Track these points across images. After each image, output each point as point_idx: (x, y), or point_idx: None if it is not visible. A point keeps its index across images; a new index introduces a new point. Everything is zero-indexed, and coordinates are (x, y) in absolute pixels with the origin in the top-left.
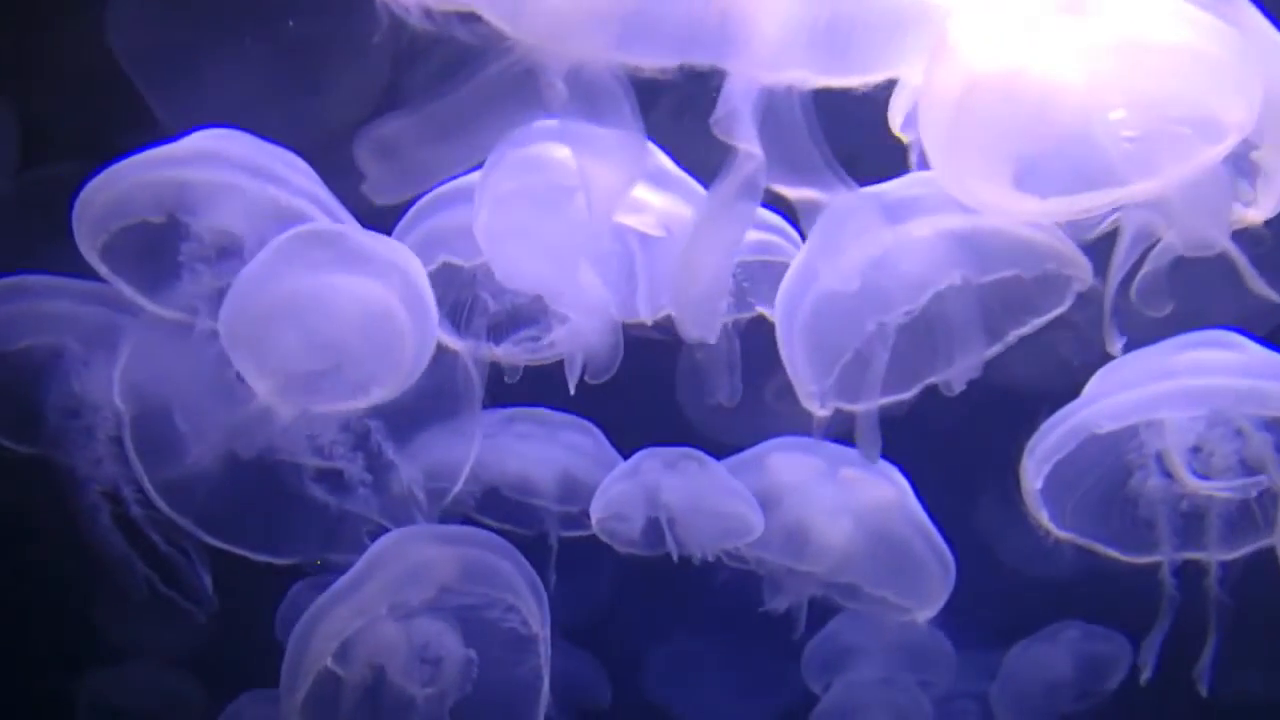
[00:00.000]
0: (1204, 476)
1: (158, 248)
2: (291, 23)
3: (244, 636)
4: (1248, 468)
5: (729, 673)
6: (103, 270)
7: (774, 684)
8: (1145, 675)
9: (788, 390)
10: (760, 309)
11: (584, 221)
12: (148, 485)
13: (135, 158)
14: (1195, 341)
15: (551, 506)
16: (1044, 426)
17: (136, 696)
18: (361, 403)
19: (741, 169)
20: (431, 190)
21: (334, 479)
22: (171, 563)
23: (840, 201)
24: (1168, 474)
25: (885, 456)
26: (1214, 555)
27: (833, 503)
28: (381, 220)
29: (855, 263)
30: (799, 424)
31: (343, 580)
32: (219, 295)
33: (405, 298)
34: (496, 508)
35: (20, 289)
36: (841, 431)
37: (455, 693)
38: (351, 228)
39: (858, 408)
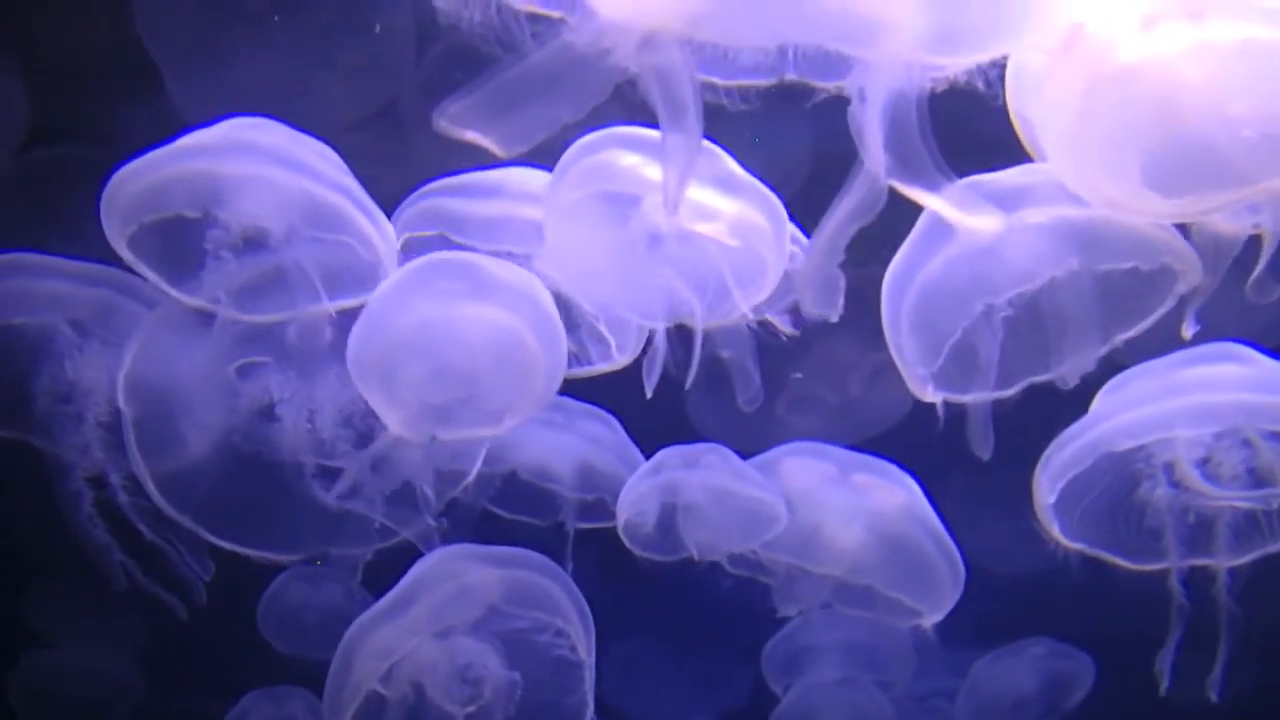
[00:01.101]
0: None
1: (183, 236)
2: (276, 17)
3: (185, 623)
4: (1255, 477)
5: (679, 673)
6: (128, 258)
7: (723, 684)
8: (1163, 685)
9: (799, 402)
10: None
11: (650, 230)
12: (150, 485)
13: (169, 147)
14: (1204, 356)
15: (568, 493)
16: (1056, 442)
17: (72, 682)
18: (493, 432)
19: (871, 170)
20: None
21: (335, 477)
22: (159, 552)
23: (951, 190)
24: (1175, 484)
25: (893, 460)
26: (1222, 563)
27: (846, 507)
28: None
29: (964, 249)
30: (809, 434)
31: (388, 599)
32: (243, 285)
33: (535, 326)
34: (512, 498)
35: (15, 266)
36: (856, 440)
37: (499, 714)
38: (481, 257)
39: (966, 399)
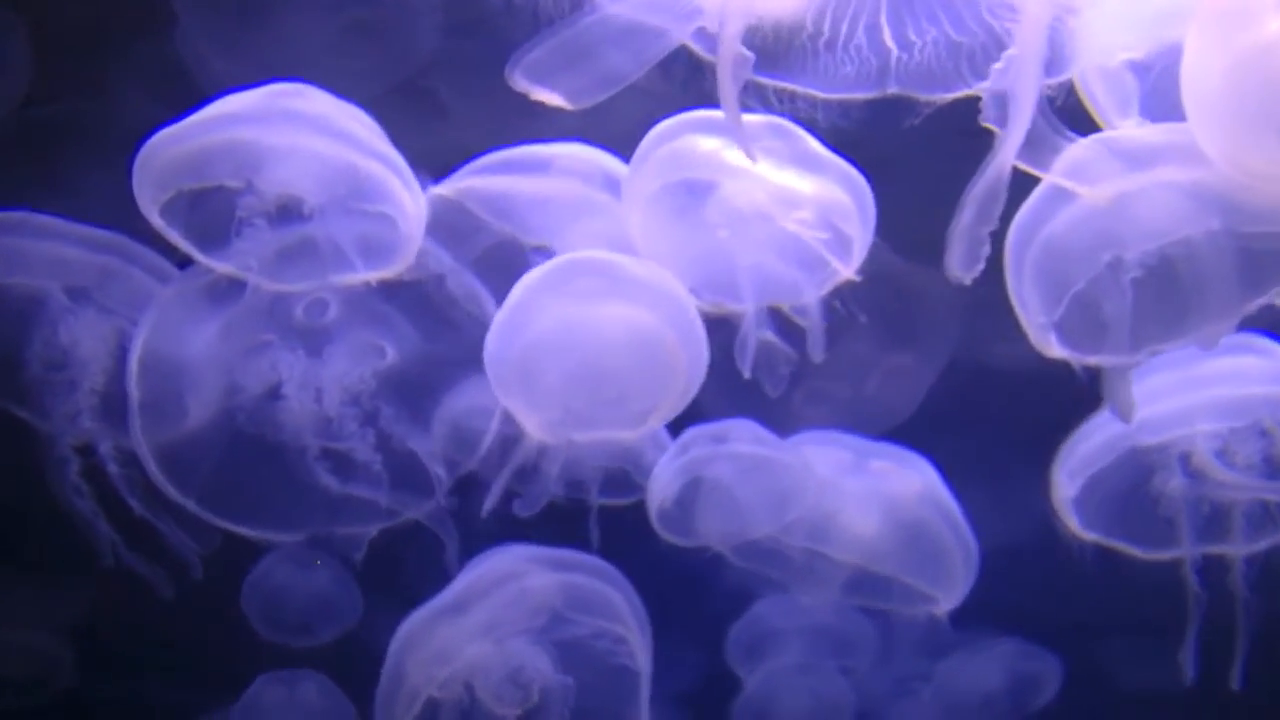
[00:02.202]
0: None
1: (212, 202)
2: None
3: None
4: (1271, 465)
5: None
6: (158, 224)
7: (679, 667)
8: (1188, 675)
9: (815, 396)
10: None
11: (733, 213)
12: (152, 466)
13: (209, 113)
14: (1221, 347)
15: (591, 460)
16: (1074, 436)
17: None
18: (635, 434)
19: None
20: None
21: (340, 458)
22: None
23: (1078, 147)
24: (1190, 474)
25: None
26: (1238, 551)
27: (863, 493)
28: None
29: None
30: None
31: (443, 600)
32: (276, 253)
33: (676, 324)
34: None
35: (17, 225)
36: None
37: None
38: (619, 255)
39: (1092, 360)
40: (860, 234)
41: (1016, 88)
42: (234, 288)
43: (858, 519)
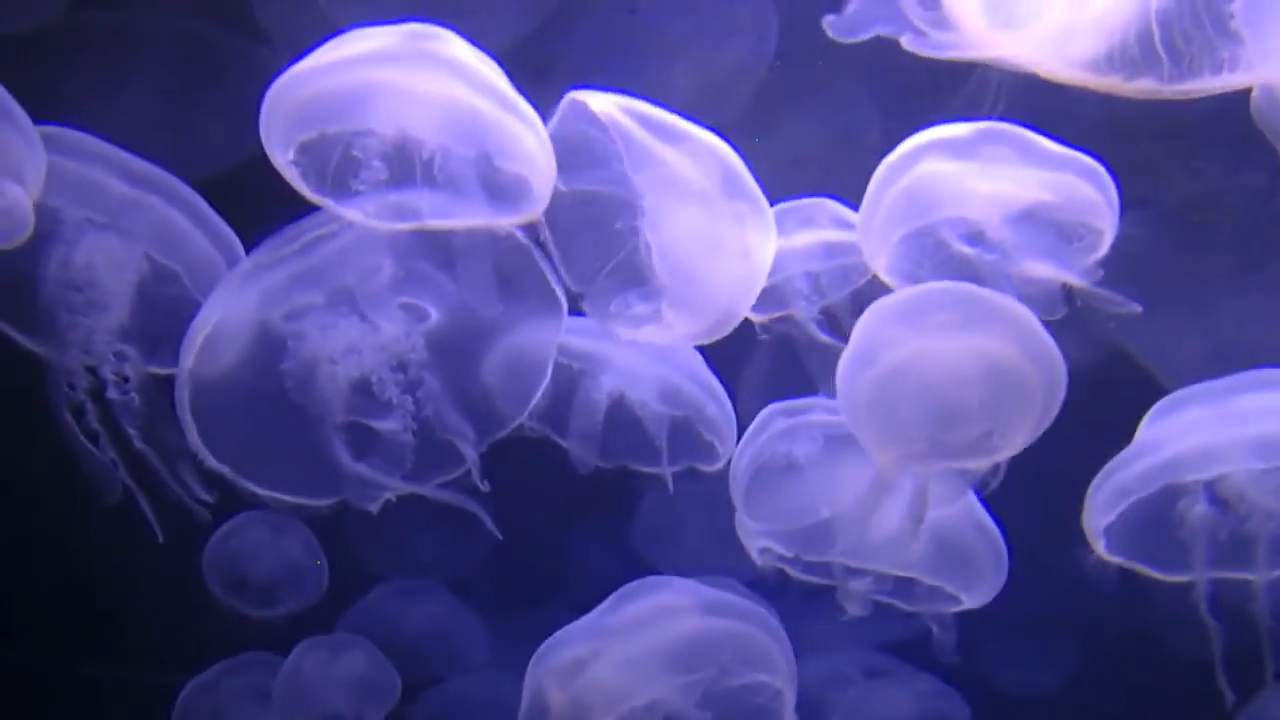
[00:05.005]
0: None
1: (331, 141)
2: None
3: None
4: None
5: None
6: (286, 163)
7: None
8: (1229, 700)
9: None
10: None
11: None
12: (192, 432)
13: (348, 52)
14: (1258, 381)
15: (656, 407)
16: (1108, 468)
17: None
18: (989, 464)
19: None
20: None
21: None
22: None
23: None
24: (1215, 501)
25: None
26: (1261, 577)
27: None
28: None
29: None
30: None
31: (594, 629)
32: (393, 200)
33: (1032, 354)
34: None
35: (60, 142)
36: None
37: None
38: (968, 285)
39: None
40: (1108, 224)
41: None
42: (295, 257)
43: (893, 531)
